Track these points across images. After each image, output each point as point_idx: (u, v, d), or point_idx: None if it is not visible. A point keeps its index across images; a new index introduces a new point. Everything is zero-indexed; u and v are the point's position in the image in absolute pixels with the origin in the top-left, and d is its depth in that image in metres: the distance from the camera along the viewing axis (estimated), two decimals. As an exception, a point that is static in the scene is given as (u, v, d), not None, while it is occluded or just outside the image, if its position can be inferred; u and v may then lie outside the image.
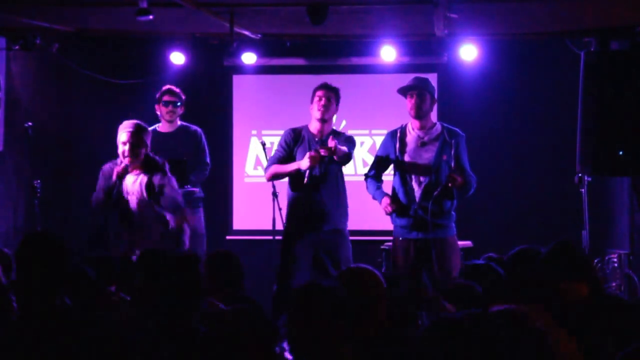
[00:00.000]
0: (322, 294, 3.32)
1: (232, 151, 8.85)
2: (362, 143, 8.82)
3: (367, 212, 8.77)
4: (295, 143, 6.68)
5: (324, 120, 6.66)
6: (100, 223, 6.68)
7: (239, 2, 6.63)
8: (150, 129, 7.23)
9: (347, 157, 6.63)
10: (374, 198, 6.71)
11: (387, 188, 6.71)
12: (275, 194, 7.01)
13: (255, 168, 8.84)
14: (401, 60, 8.21)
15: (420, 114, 6.57)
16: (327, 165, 6.62)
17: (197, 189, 7.33)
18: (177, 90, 7.48)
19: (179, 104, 7.45)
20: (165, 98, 7.43)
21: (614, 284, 7.23)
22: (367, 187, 6.76)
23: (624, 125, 6.64)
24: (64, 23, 7.54)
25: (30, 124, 7.21)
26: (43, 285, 3.59)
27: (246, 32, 7.63)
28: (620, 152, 6.66)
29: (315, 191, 6.63)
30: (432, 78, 8.62)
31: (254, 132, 8.85)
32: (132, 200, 6.29)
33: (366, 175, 6.81)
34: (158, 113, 7.46)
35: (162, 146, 7.09)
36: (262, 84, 8.90)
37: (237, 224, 8.91)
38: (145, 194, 6.25)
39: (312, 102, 6.68)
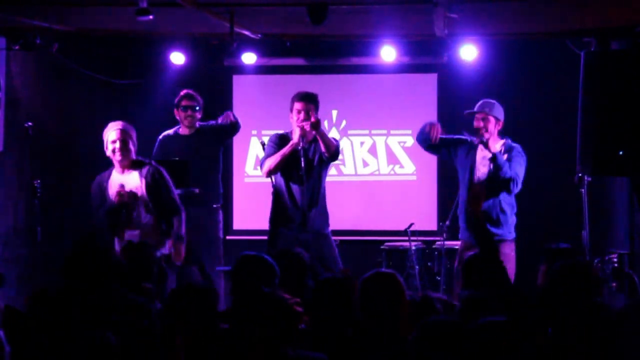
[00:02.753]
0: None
1: (232, 151, 8.85)
2: (362, 143, 8.82)
3: (367, 212, 8.78)
4: (283, 144, 6.77)
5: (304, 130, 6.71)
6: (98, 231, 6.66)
7: (239, 2, 6.63)
8: (170, 133, 7.28)
9: (333, 147, 6.69)
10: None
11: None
12: (275, 194, 7.02)
13: (255, 168, 8.85)
14: (401, 60, 8.21)
15: (485, 136, 6.77)
16: (314, 165, 6.65)
17: (196, 189, 7.31)
18: (195, 94, 7.51)
19: (197, 108, 7.48)
20: (184, 103, 7.47)
21: (614, 284, 7.23)
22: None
23: (624, 125, 6.63)
24: (64, 23, 7.54)
25: (30, 124, 7.21)
26: None
27: (246, 32, 7.63)
28: (620, 152, 6.65)
29: (301, 191, 6.69)
30: (432, 78, 8.66)
31: (254, 132, 8.85)
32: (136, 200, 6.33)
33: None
34: (177, 117, 7.49)
35: (184, 149, 7.21)
36: (262, 84, 8.91)
37: (237, 224, 8.91)
38: (144, 189, 6.27)
39: (291, 110, 6.74)
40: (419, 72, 8.70)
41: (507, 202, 6.86)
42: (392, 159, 8.81)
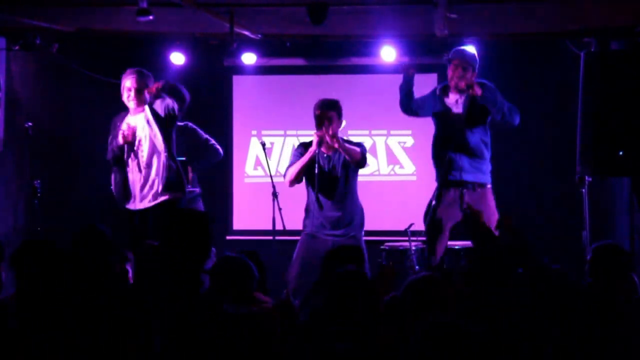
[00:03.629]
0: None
1: (232, 151, 8.84)
2: (354, 149, 8.81)
3: (368, 212, 8.78)
4: (305, 152, 6.72)
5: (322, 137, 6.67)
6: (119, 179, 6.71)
7: (239, 2, 6.63)
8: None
9: (358, 156, 6.67)
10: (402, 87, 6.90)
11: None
12: (275, 194, 7.01)
13: (255, 168, 8.84)
14: (401, 60, 8.20)
15: (461, 85, 6.71)
16: (339, 170, 6.63)
17: (196, 189, 7.32)
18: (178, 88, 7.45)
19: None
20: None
21: (614, 284, 7.23)
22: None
23: (624, 125, 6.63)
24: (64, 23, 7.54)
25: (30, 124, 7.22)
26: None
27: (246, 32, 7.63)
28: (620, 152, 6.65)
29: (325, 194, 6.67)
30: (432, 78, 8.65)
31: (254, 132, 8.85)
32: (144, 135, 6.51)
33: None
34: None
35: None
36: (262, 84, 8.90)
37: (237, 224, 8.91)
38: (153, 122, 6.47)
39: (314, 119, 6.70)
40: (419, 72, 8.64)
41: (486, 142, 6.80)
42: (392, 159, 8.81)
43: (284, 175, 6.86)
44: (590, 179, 6.90)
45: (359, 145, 6.87)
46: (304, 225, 6.83)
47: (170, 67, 8.15)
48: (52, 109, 8.40)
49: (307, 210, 6.81)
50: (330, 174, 6.70)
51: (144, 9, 6.02)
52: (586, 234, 6.87)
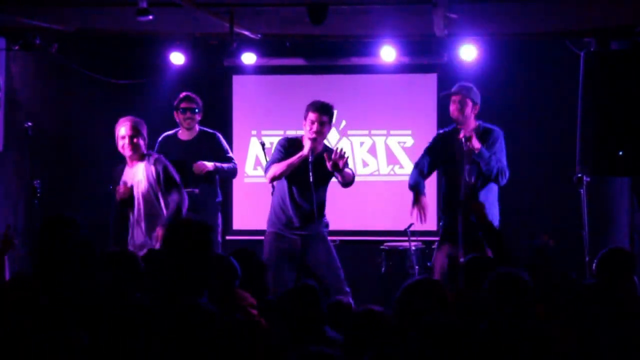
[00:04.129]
0: None
1: (232, 151, 8.84)
2: (361, 143, 8.82)
3: (367, 212, 8.78)
4: (293, 150, 6.58)
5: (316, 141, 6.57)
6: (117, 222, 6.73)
7: (239, 2, 6.63)
8: (170, 133, 7.33)
9: (350, 180, 6.62)
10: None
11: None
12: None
13: (255, 168, 8.84)
14: (401, 60, 8.21)
15: (461, 119, 6.68)
16: (321, 176, 6.58)
17: (196, 190, 7.31)
18: (195, 96, 7.46)
19: (196, 110, 7.43)
20: (183, 105, 7.41)
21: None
22: None
23: (624, 125, 6.63)
24: (64, 23, 7.54)
25: (30, 124, 7.21)
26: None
27: (246, 32, 7.63)
28: (620, 153, 6.65)
29: (304, 198, 6.60)
30: (432, 78, 8.66)
31: (253, 132, 8.85)
32: (140, 192, 6.48)
33: None
34: (177, 120, 7.46)
35: (184, 153, 7.26)
36: (262, 84, 8.90)
37: (237, 224, 8.91)
38: (152, 179, 6.45)
39: (305, 118, 6.53)
40: (418, 72, 8.69)
41: (493, 192, 6.75)
42: (391, 159, 8.81)
43: (265, 170, 6.67)
44: (589, 179, 6.89)
45: (349, 171, 6.66)
46: (271, 223, 6.72)
47: (170, 67, 8.16)
48: (52, 109, 8.41)
49: (276, 207, 6.70)
50: (314, 177, 6.57)
51: (144, 9, 6.02)
52: (586, 234, 6.87)
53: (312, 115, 6.47)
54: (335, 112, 6.71)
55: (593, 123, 6.75)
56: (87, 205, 8.26)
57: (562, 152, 7.91)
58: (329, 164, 6.36)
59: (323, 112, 6.49)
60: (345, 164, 6.42)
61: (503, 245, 4.98)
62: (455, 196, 6.62)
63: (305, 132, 6.55)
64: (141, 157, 6.54)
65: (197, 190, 7.31)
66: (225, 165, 7.39)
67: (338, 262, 6.64)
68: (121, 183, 6.50)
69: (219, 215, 7.59)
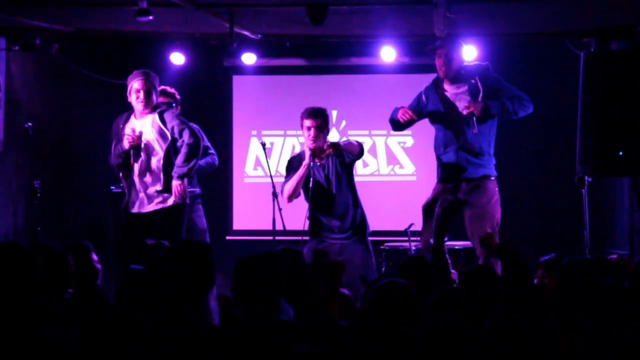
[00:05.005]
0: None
1: (232, 151, 8.85)
2: (351, 143, 8.81)
3: (367, 213, 8.77)
4: (298, 165, 6.57)
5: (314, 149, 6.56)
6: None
7: (239, 2, 6.63)
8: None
9: (357, 150, 6.54)
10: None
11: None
12: (275, 194, 7.00)
13: (255, 168, 8.85)
14: (401, 60, 8.21)
15: (449, 74, 6.55)
16: (333, 177, 6.57)
17: (196, 189, 7.31)
18: (171, 90, 7.43)
19: (173, 104, 7.42)
20: (159, 99, 7.41)
21: (613, 284, 7.23)
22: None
23: (624, 125, 6.64)
24: (64, 23, 7.54)
25: (30, 124, 7.21)
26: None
27: (246, 33, 7.63)
28: (620, 153, 6.65)
29: (323, 204, 6.57)
30: (432, 78, 8.66)
31: (254, 132, 8.85)
32: (147, 141, 6.44)
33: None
34: None
35: None
36: (262, 85, 8.91)
37: (237, 224, 8.91)
38: (156, 131, 6.39)
39: (301, 127, 6.53)
40: (419, 72, 8.68)
41: (489, 136, 6.63)
42: (391, 159, 8.81)
43: (281, 192, 6.68)
44: (589, 179, 6.89)
45: (349, 141, 6.73)
46: (310, 234, 6.68)
47: (170, 67, 8.16)
48: (52, 109, 8.40)
49: (310, 221, 6.67)
50: (326, 183, 6.57)
51: (144, 9, 6.02)
52: (586, 234, 6.88)
53: (307, 122, 6.48)
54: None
55: (593, 123, 6.75)
56: (87, 205, 8.27)
57: (562, 152, 7.91)
58: (328, 151, 6.41)
59: (317, 116, 6.48)
60: (338, 146, 6.42)
61: (515, 259, 4.90)
62: (451, 138, 6.53)
63: (304, 140, 6.58)
64: (152, 110, 6.49)
65: (197, 190, 7.30)
66: (202, 161, 7.32)
67: (374, 266, 6.60)
68: (131, 130, 6.41)
69: (200, 207, 7.48)
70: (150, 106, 6.47)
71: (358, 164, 8.76)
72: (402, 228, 7.45)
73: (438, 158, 6.68)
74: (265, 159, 7.34)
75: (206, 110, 8.24)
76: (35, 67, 8.12)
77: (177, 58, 8.05)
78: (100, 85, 8.32)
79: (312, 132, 6.46)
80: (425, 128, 8.56)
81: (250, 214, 8.82)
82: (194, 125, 7.40)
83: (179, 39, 8.00)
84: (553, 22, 7.37)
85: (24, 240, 7.50)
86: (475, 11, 6.75)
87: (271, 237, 7.10)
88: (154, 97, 6.47)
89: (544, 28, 7.71)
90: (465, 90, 6.55)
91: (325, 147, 6.43)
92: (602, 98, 6.72)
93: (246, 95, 8.94)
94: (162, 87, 7.45)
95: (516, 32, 7.90)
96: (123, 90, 8.45)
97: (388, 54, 7.96)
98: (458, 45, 6.64)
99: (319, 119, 6.49)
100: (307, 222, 6.70)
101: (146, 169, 6.47)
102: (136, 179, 6.49)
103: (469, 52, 7.77)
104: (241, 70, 8.65)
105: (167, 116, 6.45)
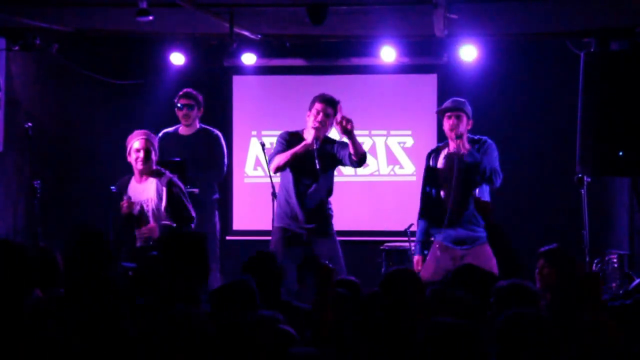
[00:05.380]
0: None
1: (232, 151, 8.84)
2: (361, 144, 8.81)
3: (367, 213, 8.78)
4: (294, 142, 6.63)
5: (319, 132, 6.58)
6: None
7: (239, 3, 6.63)
8: (170, 130, 7.31)
9: (362, 151, 6.52)
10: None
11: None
12: (275, 194, 7.00)
13: (255, 168, 8.84)
14: (401, 60, 8.21)
15: (456, 134, 6.50)
16: (325, 166, 6.59)
17: (196, 190, 7.32)
18: (195, 92, 7.49)
19: (194, 106, 7.47)
20: (181, 102, 7.47)
21: (613, 285, 7.23)
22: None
23: (624, 125, 6.64)
24: (63, 23, 7.54)
25: (30, 124, 7.21)
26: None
27: (246, 33, 7.63)
28: (620, 153, 6.65)
29: (310, 191, 6.62)
30: (432, 79, 8.66)
31: (254, 132, 8.85)
32: (150, 209, 6.37)
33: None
34: (178, 116, 7.51)
35: (182, 148, 7.28)
36: (262, 85, 8.90)
37: (237, 224, 8.91)
38: (164, 197, 6.34)
39: (310, 109, 6.59)
40: (418, 72, 8.69)
41: (485, 194, 6.56)
42: (391, 159, 8.81)
43: (269, 161, 6.69)
44: (589, 179, 6.89)
45: (344, 144, 6.66)
46: (279, 218, 6.73)
47: (170, 67, 8.16)
48: (52, 109, 8.41)
49: (282, 202, 6.72)
50: (316, 169, 6.60)
51: (144, 9, 6.02)
52: (586, 234, 6.87)
53: (318, 106, 6.55)
54: (340, 108, 6.68)
55: (593, 123, 6.75)
56: (87, 205, 8.27)
57: (562, 152, 7.91)
58: (338, 128, 6.40)
59: (329, 104, 6.57)
60: (353, 128, 6.38)
61: (507, 246, 4.94)
62: (443, 206, 6.50)
63: (309, 122, 6.60)
64: (152, 174, 6.41)
65: (196, 191, 7.31)
66: (200, 177, 7.34)
67: (341, 259, 6.67)
68: (125, 198, 6.36)
69: (217, 213, 7.61)
70: (150, 166, 6.39)
71: (358, 164, 8.78)
72: (402, 228, 7.44)
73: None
74: (265, 159, 7.34)
75: (206, 110, 8.20)
76: (35, 67, 8.12)
77: (177, 58, 8.05)
78: (100, 85, 8.33)
79: (320, 116, 6.52)
80: (425, 128, 8.60)
81: (250, 214, 8.81)
82: (216, 131, 7.49)
83: (179, 39, 8.00)
84: (553, 22, 7.37)
85: (24, 240, 7.51)
86: (475, 11, 6.75)
87: (271, 237, 7.10)
88: (153, 156, 6.40)
89: (544, 28, 7.71)
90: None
91: (345, 120, 6.36)
92: (602, 98, 6.72)
93: (246, 95, 8.94)
94: (186, 89, 7.49)
95: (516, 32, 7.89)
96: (123, 90, 8.49)
97: (388, 54, 7.96)
98: (467, 107, 6.53)
99: (330, 108, 6.57)
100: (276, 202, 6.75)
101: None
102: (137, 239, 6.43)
103: (469, 52, 7.79)
104: (241, 70, 8.64)
105: (177, 191, 6.41)
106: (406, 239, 7.39)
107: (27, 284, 3.72)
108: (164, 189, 6.36)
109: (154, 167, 6.44)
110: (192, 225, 6.48)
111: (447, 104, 6.61)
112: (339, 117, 6.43)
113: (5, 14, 6.93)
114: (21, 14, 7.06)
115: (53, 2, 6.67)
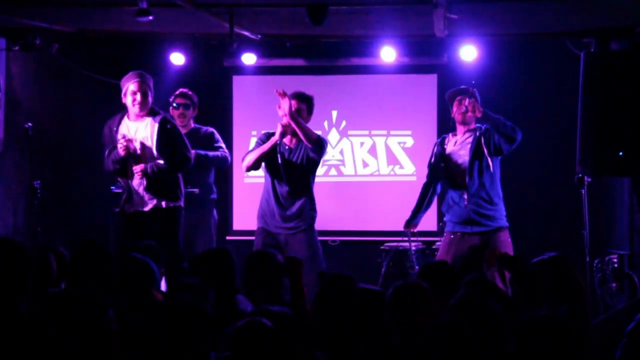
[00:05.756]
0: None
1: (232, 151, 8.83)
2: (362, 144, 8.82)
3: (367, 213, 8.78)
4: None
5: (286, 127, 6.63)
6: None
7: (239, 3, 6.63)
8: None
9: (314, 136, 6.57)
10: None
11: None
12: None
13: (255, 168, 8.84)
14: (401, 60, 8.21)
15: (469, 119, 6.62)
16: (299, 164, 6.61)
17: (196, 190, 7.32)
18: (189, 92, 7.49)
19: (190, 106, 7.47)
20: (177, 101, 7.46)
21: (614, 285, 7.23)
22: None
23: (624, 125, 6.63)
24: (64, 23, 7.54)
25: (30, 124, 7.21)
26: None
27: (246, 33, 7.63)
28: (621, 153, 6.65)
29: (283, 189, 6.69)
30: (432, 79, 8.67)
31: (254, 132, 8.85)
32: (146, 148, 6.41)
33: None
34: (173, 116, 7.49)
35: None
36: (262, 85, 8.90)
37: (237, 224, 8.91)
38: (156, 137, 6.35)
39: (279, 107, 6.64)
40: (419, 72, 8.70)
41: (494, 189, 6.67)
42: (392, 159, 8.81)
43: (243, 159, 6.80)
44: (589, 179, 6.89)
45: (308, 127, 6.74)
46: (259, 218, 6.81)
47: (170, 67, 8.16)
48: (52, 109, 8.40)
49: (262, 202, 6.82)
50: (289, 166, 6.64)
51: (144, 9, 6.01)
52: (586, 234, 6.87)
53: (292, 102, 6.58)
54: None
55: (593, 123, 6.75)
56: (87, 205, 8.26)
57: (562, 152, 7.91)
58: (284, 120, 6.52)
59: (301, 100, 6.65)
60: (294, 116, 6.47)
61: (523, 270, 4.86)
62: (460, 185, 6.62)
63: (281, 118, 6.65)
64: (148, 113, 6.44)
65: (196, 191, 7.31)
66: (210, 153, 7.36)
67: (322, 260, 6.67)
68: (123, 137, 6.37)
69: (214, 211, 7.60)
70: (147, 108, 6.44)
71: (358, 164, 8.78)
72: (402, 228, 7.44)
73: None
74: (265, 159, 7.34)
75: (206, 110, 8.21)
76: (35, 67, 8.12)
77: (177, 58, 8.05)
78: (100, 85, 8.32)
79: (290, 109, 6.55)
80: (426, 128, 8.59)
81: (250, 214, 8.76)
82: (210, 129, 7.47)
83: (179, 39, 8.00)
84: (553, 22, 7.37)
85: (24, 240, 7.50)
86: (475, 11, 6.75)
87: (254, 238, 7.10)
88: (150, 98, 6.44)
89: (544, 28, 7.71)
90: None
91: (286, 114, 6.46)
92: (602, 98, 6.72)
93: (246, 95, 8.94)
94: (182, 89, 7.50)
95: (516, 32, 7.89)
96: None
97: (388, 54, 7.96)
98: (477, 94, 6.67)
99: (303, 103, 6.64)
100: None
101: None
102: (133, 182, 6.48)
103: (469, 53, 7.79)
104: (241, 70, 8.65)
105: (170, 128, 6.43)
106: (406, 238, 7.38)
107: (27, 284, 3.71)
108: (157, 125, 6.37)
109: (151, 107, 6.47)
110: (189, 166, 6.50)
111: (455, 92, 6.74)
112: (286, 108, 6.47)
113: (5, 14, 6.92)
114: (21, 14, 7.06)
115: (53, 2, 6.67)
